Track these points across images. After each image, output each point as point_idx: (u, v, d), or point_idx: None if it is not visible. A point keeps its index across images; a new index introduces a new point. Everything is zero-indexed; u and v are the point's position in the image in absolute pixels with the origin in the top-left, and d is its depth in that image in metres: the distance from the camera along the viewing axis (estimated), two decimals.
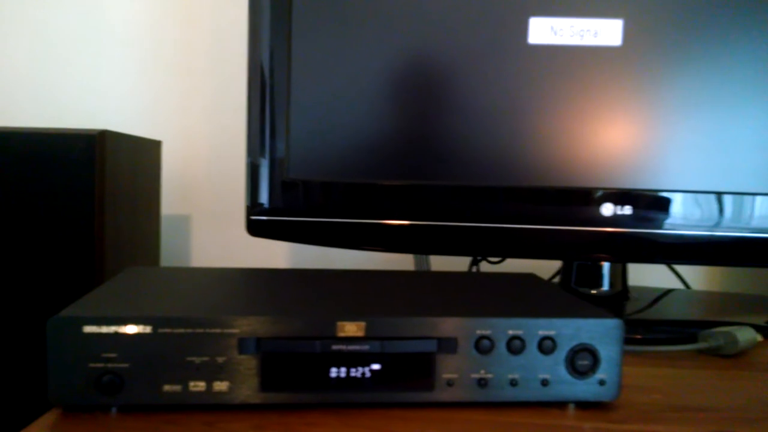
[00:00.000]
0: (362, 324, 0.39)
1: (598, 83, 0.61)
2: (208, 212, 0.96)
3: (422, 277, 0.55)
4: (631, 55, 0.61)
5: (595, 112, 0.61)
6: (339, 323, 0.39)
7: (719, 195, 0.61)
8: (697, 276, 0.89)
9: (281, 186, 0.65)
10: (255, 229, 0.66)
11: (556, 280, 0.74)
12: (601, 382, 0.41)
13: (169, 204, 0.95)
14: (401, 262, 0.92)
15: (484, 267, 0.83)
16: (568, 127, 0.62)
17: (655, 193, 0.61)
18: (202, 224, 0.96)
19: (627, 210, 0.61)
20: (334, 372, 0.39)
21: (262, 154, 0.65)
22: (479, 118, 0.62)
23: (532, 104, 0.62)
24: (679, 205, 0.61)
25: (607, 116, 0.61)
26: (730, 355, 0.54)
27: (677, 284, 0.80)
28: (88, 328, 0.37)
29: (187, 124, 0.95)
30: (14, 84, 0.95)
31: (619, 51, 0.61)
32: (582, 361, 0.41)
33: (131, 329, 0.38)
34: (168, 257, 0.95)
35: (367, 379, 0.40)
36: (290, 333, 0.39)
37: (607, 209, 0.62)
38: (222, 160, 0.95)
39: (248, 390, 0.39)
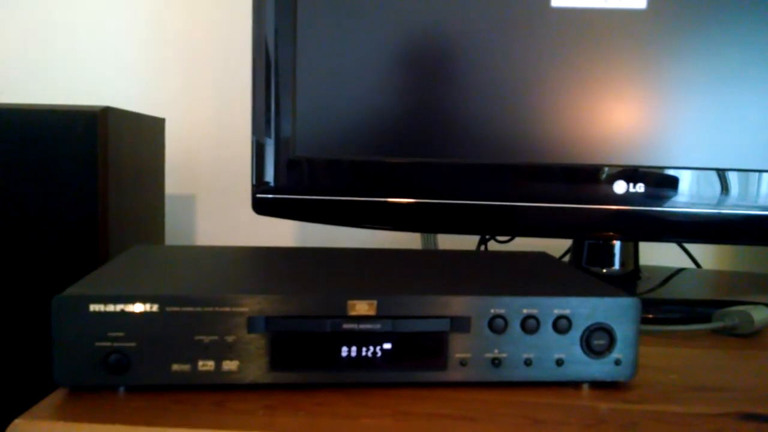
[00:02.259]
0: (373, 303, 0.39)
1: (618, 53, 0.60)
2: (213, 191, 0.95)
3: (433, 255, 0.54)
4: (655, 19, 0.59)
5: (612, 84, 0.60)
6: (350, 302, 0.38)
7: (736, 172, 0.60)
8: (706, 255, 0.88)
9: (287, 164, 0.64)
10: (261, 207, 0.65)
11: (566, 259, 0.73)
12: (617, 362, 0.40)
13: (174, 183, 0.94)
14: (408, 241, 0.91)
15: (492, 246, 0.82)
16: (582, 101, 0.60)
17: (669, 171, 0.60)
18: (207, 203, 0.95)
19: (640, 188, 0.60)
20: (344, 351, 0.39)
21: (268, 133, 0.64)
22: (490, 93, 0.61)
23: (546, 77, 0.61)
24: (694, 183, 0.60)
25: (625, 89, 0.60)
26: (745, 335, 0.53)
27: (687, 263, 0.79)
28: (94, 307, 0.37)
29: (191, 103, 0.93)
30: (15, 61, 0.94)
31: (643, 14, 0.59)
32: (598, 340, 0.40)
33: (138, 308, 0.37)
34: (172, 237, 0.94)
35: (379, 358, 0.39)
36: (300, 312, 0.38)
37: (620, 187, 0.60)
38: (226, 138, 0.94)
39: (258, 369, 0.38)
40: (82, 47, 0.93)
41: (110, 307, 0.37)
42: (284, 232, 0.95)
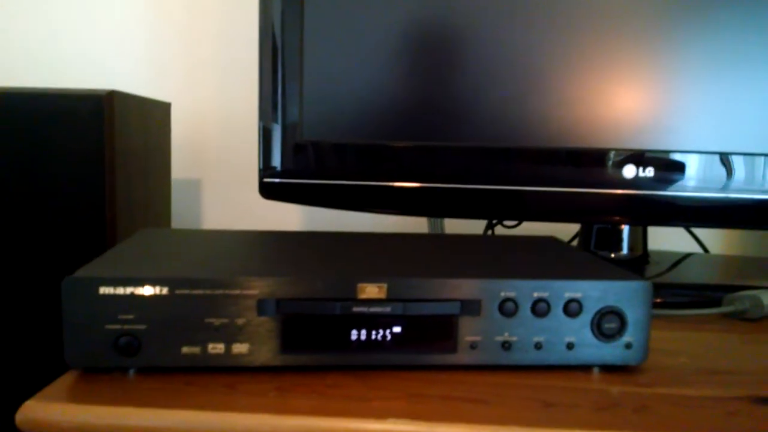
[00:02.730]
0: (384, 286, 0.38)
1: (623, 34, 0.59)
2: (219, 176, 0.94)
3: (441, 239, 0.54)
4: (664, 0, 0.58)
5: (622, 68, 0.59)
6: (360, 285, 0.38)
7: (746, 157, 0.59)
8: (714, 240, 0.88)
9: (294, 148, 0.64)
10: (268, 191, 0.65)
11: (574, 244, 0.73)
12: (628, 345, 0.40)
13: (179, 168, 0.93)
14: (415, 226, 0.91)
15: (499, 231, 0.82)
16: (590, 84, 0.60)
17: (679, 155, 0.60)
18: (213, 188, 0.95)
19: (649, 172, 0.60)
20: (355, 334, 0.39)
21: (275, 117, 0.64)
22: (497, 76, 0.60)
23: (554, 60, 0.60)
24: (704, 167, 0.59)
25: (634, 72, 0.59)
26: (755, 319, 0.53)
27: (695, 248, 0.79)
28: (104, 289, 0.36)
29: (197, 87, 0.93)
30: (21, 45, 0.93)
31: None
32: (609, 324, 0.40)
33: (148, 290, 0.37)
34: (178, 222, 0.94)
35: (389, 341, 0.39)
36: (310, 294, 0.38)
37: (629, 171, 0.60)
38: (232, 123, 0.93)
39: (268, 352, 0.38)
40: (87, 32, 0.93)
41: (120, 290, 0.37)
42: (290, 218, 0.95)
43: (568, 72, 0.60)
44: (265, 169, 0.64)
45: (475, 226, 0.85)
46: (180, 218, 0.94)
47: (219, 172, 0.94)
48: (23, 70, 0.93)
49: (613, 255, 0.66)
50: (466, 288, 0.39)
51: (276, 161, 0.64)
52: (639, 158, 0.60)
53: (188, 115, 0.93)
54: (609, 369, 0.41)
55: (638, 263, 0.66)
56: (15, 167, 0.59)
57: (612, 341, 0.40)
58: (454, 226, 0.87)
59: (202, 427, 0.34)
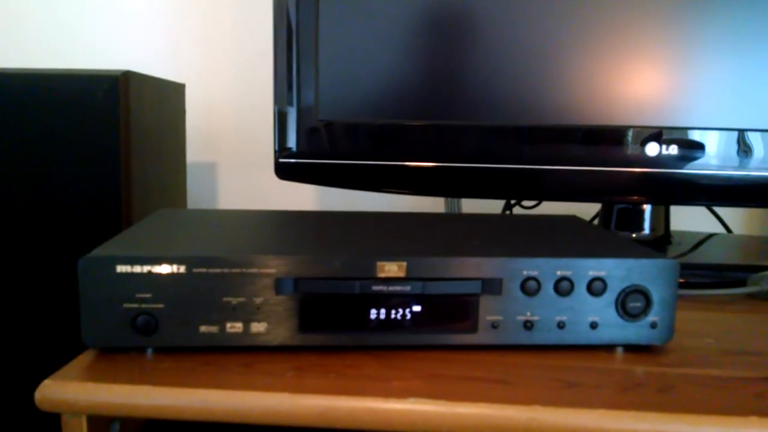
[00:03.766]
0: (403, 264, 0.38)
1: (643, 10, 0.58)
2: (233, 159, 0.94)
3: (461, 219, 0.53)
4: None
5: (639, 44, 0.58)
6: (379, 263, 0.38)
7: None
8: (735, 220, 0.86)
9: (309, 129, 0.63)
10: (283, 172, 0.64)
11: (595, 223, 0.72)
12: (653, 325, 0.39)
13: (193, 151, 0.93)
14: (431, 207, 0.90)
15: (518, 212, 0.80)
16: (609, 61, 0.58)
17: (703, 133, 0.58)
18: (227, 171, 0.94)
19: (673, 149, 0.58)
20: (374, 313, 0.38)
21: (290, 98, 0.63)
22: (515, 53, 0.59)
23: (570, 37, 0.58)
24: (725, 145, 0.58)
25: (651, 48, 0.58)
26: None
27: (717, 228, 0.77)
28: (121, 268, 0.36)
29: (211, 69, 0.92)
30: (35, 25, 0.93)
31: None
32: (633, 303, 0.39)
33: (165, 269, 0.36)
34: (193, 205, 0.93)
35: (408, 320, 0.38)
36: (329, 273, 0.37)
37: (652, 149, 0.59)
38: (246, 105, 0.92)
39: (286, 331, 0.38)
40: (103, 13, 0.92)
41: (137, 269, 0.36)
42: (304, 200, 0.94)
43: (587, 49, 0.59)
44: (281, 150, 0.64)
45: (493, 207, 0.84)
46: (194, 201, 0.94)
47: (233, 155, 0.94)
48: (40, 51, 0.93)
49: (634, 235, 0.65)
50: (487, 267, 0.38)
51: (291, 142, 0.64)
52: (662, 136, 0.58)
53: (203, 99, 0.93)
54: (632, 349, 0.40)
55: (660, 243, 0.65)
56: (30, 148, 0.59)
57: (636, 320, 0.39)
58: (471, 206, 0.86)
59: (219, 406, 0.34)
